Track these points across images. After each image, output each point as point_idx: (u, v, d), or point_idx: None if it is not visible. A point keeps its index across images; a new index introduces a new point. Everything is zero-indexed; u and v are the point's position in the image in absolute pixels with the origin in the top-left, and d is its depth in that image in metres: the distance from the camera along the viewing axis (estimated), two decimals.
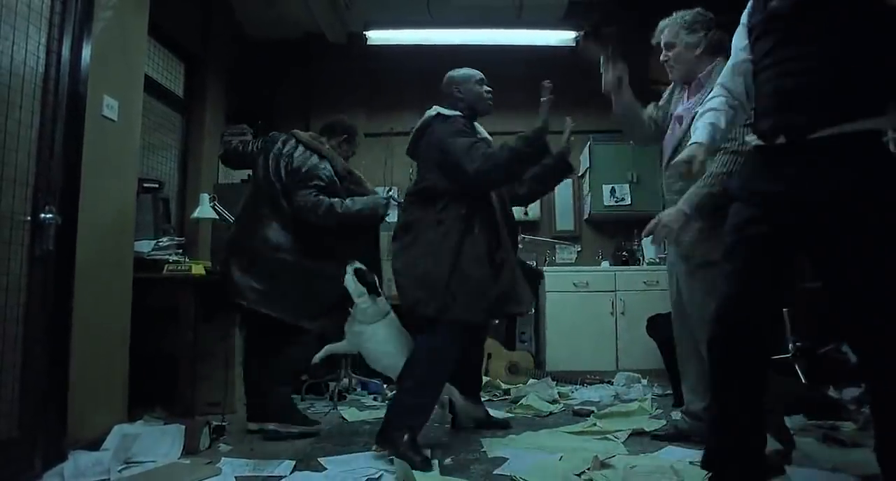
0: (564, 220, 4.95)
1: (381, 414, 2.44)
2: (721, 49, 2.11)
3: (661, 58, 2.33)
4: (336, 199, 2.60)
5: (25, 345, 1.94)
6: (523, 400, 3.24)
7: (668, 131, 2.35)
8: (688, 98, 2.30)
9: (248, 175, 4.37)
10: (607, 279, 4.28)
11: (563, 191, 4.88)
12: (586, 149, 4.71)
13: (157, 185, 3.20)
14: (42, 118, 2.04)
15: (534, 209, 4.80)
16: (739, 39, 1.76)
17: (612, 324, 4.19)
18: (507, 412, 3.12)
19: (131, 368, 2.52)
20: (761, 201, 1.60)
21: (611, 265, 4.54)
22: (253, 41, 4.97)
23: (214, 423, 2.49)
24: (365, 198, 2.71)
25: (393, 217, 2.72)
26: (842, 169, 1.45)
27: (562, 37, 4.19)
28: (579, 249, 4.86)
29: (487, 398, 3.60)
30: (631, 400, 3.23)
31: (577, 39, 4.16)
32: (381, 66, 4.76)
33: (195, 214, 3.58)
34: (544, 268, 4.47)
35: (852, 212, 1.44)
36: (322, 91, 4.96)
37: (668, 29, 2.29)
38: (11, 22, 1.91)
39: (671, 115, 2.36)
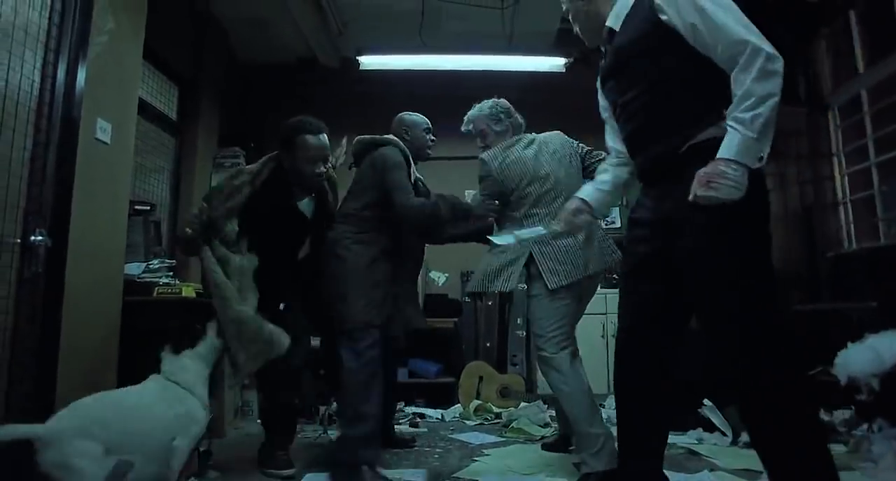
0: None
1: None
2: (520, 127, 2.64)
3: (478, 143, 2.68)
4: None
5: (11, 368, 1.92)
6: (514, 424, 3.22)
7: None
8: None
9: None
10: (598, 302, 4.24)
11: None
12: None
13: (148, 207, 3.20)
14: (35, 141, 2.05)
15: None
16: (600, 101, 1.90)
17: (603, 347, 4.18)
18: (499, 436, 3.10)
19: None
20: (629, 229, 1.76)
21: (602, 288, 4.55)
22: (246, 65, 5.02)
23: (201, 449, 2.45)
24: None
25: None
26: (673, 191, 1.55)
27: (552, 63, 4.27)
28: None
29: (479, 421, 3.59)
30: None
31: (567, 65, 4.24)
32: (374, 91, 4.82)
33: None
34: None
35: (677, 232, 1.54)
36: (314, 115, 4.93)
37: (476, 121, 2.66)
38: (7, 46, 1.93)
39: None
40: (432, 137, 2.83)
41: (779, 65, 1.39)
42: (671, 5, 1.51)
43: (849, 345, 2.63)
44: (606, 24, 1.72)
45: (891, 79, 3.39)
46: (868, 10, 3.61)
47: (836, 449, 2.57)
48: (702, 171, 1.39)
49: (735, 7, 1.48)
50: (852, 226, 3.77)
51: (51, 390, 2.04)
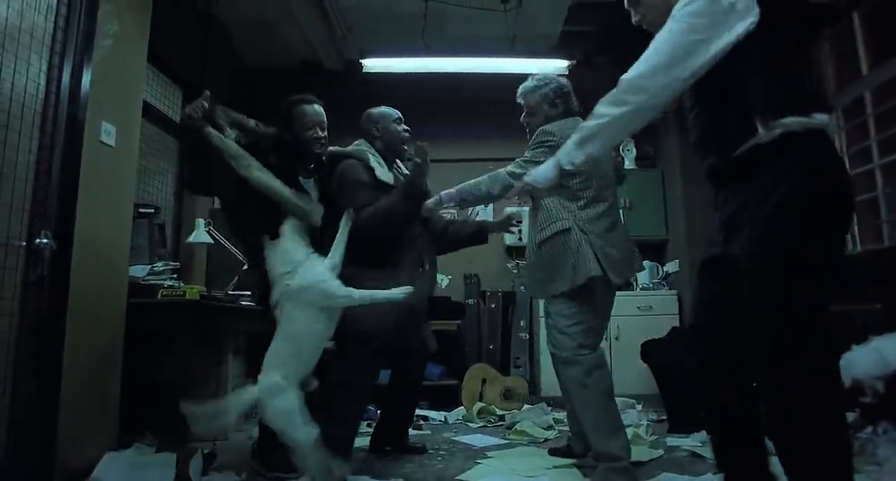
0: None
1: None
2: (569, 112, 2.47)
3: (522, 119, 2.57)
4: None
5: (16, 371, 1.93)
6: (518, 426, 3.22)
7: None
8: None
9: None
10: None
11: None
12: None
13: (153, 210, 3.22)
14: (40, 144, 2.06)
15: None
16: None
17: (606, 350, 4.17)
18: (503, 438, 3.10)
19: (122, 394, 2.49)
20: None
21: None
22: (250, 68, 5.04)
23: (205, 451, 2.46)
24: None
25: None
26: (733, 194, 1.57)
27: (555, 65, 4.27)
28: None
29: (482, 424, 3.58)
30: (626, 427, 3.20)
31: (569, 68, 4.24)
32: (377, 93, 4.77)
33: (191, 239, 3.59)
34: None
35: (736, 231, 1.53)
36: None
37: (529, 97, 2.52)
38: (14, 50, 1.95)
39: None
40: (405, 128, 2.70)
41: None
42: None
43: (853, 347, 2.62)
44: None
45: (893, 81, 3.38)
46: (872, 11, 3.60)
47: None
48: None
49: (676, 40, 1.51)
50: (856, 227, 3.76)
51: (54, 392, 2.05)
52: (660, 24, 1.71)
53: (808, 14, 3.85)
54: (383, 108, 2.73)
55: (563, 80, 2.52)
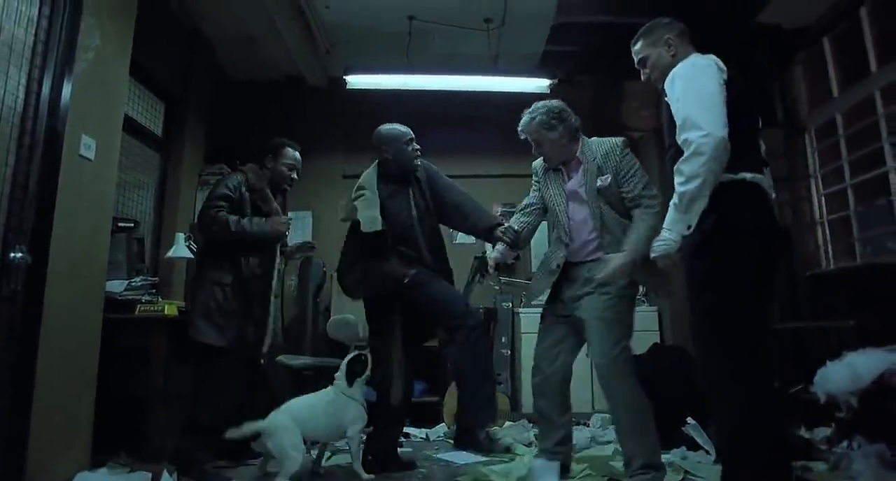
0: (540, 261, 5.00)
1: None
2: (578, 130, 2.49)
3: (534, 150, 2.54)
4: (234, 217, 2.66)
5: None
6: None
7: (565, 205, 2.50)
8: (572, 176, 2.50)
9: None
10: None
11: (538, 232, 4.93)
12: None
13: (132, 224, 3.18)
14: (17, 157, 2.03)
15: None
16: None
17: (587, 366, 4.12)
18: (483, 455, 3.08)
19: (96, 412, 2.44)
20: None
21: None
22: (233, 82, 5.03)
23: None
24: (262, 221, 2.75)
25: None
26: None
27: (537, 84, 4.33)
28: None
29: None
30: (607, 443, 3.22)
31: (551, 86, 4.31)
32: (360, 110, 4.84)
33: (170, 253, 3.55)
34: (520, 310, 4.48)
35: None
36: (301, 132, 4.96)
37: (529, 127, 2.50)
38: None
39: (565, 192, 2.51)
40: (416, 147, 2.81)
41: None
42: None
43: (827, 362, 2.67)
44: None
45: (863, 103, 3.49)
46: (842, 36, 3.72)
47: (817, 466, 2.60)
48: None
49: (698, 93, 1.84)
50: (829, 246, 3.84)
51: (26, 409, 2.00)
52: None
53: (782, 38, 3.98)
54: (394, 129, 2.85)
55: (553, 102, 2.52)
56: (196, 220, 2.80)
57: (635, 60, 2.17)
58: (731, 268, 1.79)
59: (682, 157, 1.80)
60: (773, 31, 3.93)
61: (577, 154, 2.47)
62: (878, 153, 3.33)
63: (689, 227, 1.81)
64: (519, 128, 2.54)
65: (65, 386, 2.27)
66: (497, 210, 3.38)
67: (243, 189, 2.75)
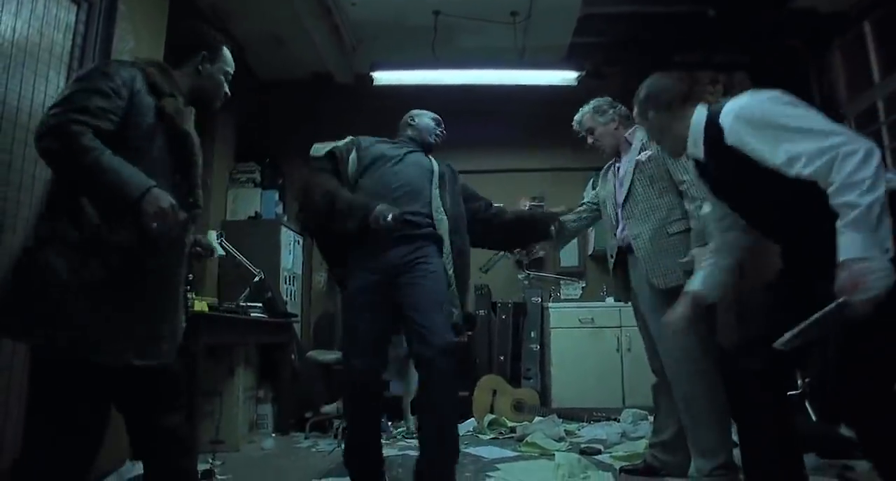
0: (569, 256, 4.96)
1: (386, 452, 2.42)
2: (630, 117, 2.36)
3: (588, 142, 2.57)
4: (95, 143, 1.43)
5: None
6: (529, 438, 3.19)
7: (614, 192, 2.52)
8: (623, 156, 2.51)
9: (256, 212, 4.46)
10: (612, 315, 4.26)
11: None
12: (588, 186, 4.75)
13: None
14: None
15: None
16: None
17: (617, 361, 4.15)
18: (513, 450, 3.08)
19: None
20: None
21: (616, 301, 4.53)
22: (262, 81, 5.10)
23: (202, 468, 2.43)
24: (137, 172, 1.47)
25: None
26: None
27: (564, 77, 4.28)
28: (584, 285, 4.85)
29: (493, 436, 3.57)
30: (639, 438, 3.18)
31: (579, 79, 4.26)
32: (387, 106, 4.82)
33: None
34: (549, 304, 4.46)
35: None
36: (329, 130, 5.02)
37: (583, 118, 2.58)
38: (33, 67, 1.99)
39: (617, 180, 2.52)
40: (442, 130, 2.68)
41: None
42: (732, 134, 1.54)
43: None
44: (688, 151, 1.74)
45: None
46: (882, 20, 3.59)
47: (860, 465, 2.52)
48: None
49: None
50: None
51: None
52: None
53: (819, 23, 3.86)
54: (427, 111, 2.73)
55: (602, 99, 2.61)
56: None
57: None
58: None
59: (841, 166, 1.36)
60: (809, 15, 3.82)
61: (627, 136, 2.49)
62: None
63: (886, 251, 1.32)
64: (574, 123, 2.61)
65: None
66: (525, 204, 3.34)
67: (138, 87, 1.56)
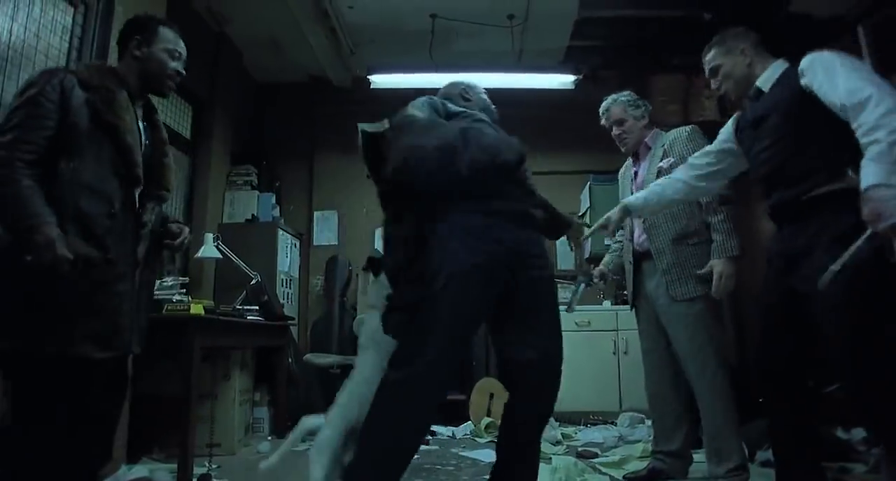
0: (565, 260, 4.97)
1: None
2: (653, 121, 2.54)
3: (614, 133, 2.56)
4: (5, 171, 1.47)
5: None
6: None
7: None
8: (641, 161, 2.55)
9: (253, 215, 4.46)
10: (609, 318, 4.26)
11: None
12: (586, 189, 4.76)
13: None
14: None
15: None
16: (722, 134, 2.06)
17: (614, 364, 4.15)
18: None
19: (130, 410, 2.49)
20: (771, 259, 1.84)
21: (612, 304, 4.53)
22: (259, 84, 5.11)
23: (199, 473, 2.44)
24: (34, 199, 1.49)
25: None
26: (800, 229, 1.71)
27: (561, 80, 4.29)
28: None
29: (490, 439, 3.56)
30: (635, 442, 3.18)
31: (576, 82, 4.27)
32: (385, 109, 4.81)
33: (199, 254, 3.61)
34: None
35: (803, 266, 1.68)
36: (326, 133, 5.06)
37: (614, 108, 2.54)
38: (29, 70, 1.99)
39: (635, 185, 2.54)
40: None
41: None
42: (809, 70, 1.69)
43: None
44: (756, 84, 1.87)
45: None
46: (877, 25, 3.61)
47: (855, 468, 2.53)
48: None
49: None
50: None
51: None
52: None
53: (814, 29, 3.87)
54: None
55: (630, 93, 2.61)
56: None
57: (706, 70, 2.03)
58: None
59: (876, 109, 1.53)
60: (804, 20, 3.83)
61: (646, 139, 2.51)
62: None
63: None
64: (601, 111, 2.58)
65: None
66: None
67: (71, 87, 1.58)
